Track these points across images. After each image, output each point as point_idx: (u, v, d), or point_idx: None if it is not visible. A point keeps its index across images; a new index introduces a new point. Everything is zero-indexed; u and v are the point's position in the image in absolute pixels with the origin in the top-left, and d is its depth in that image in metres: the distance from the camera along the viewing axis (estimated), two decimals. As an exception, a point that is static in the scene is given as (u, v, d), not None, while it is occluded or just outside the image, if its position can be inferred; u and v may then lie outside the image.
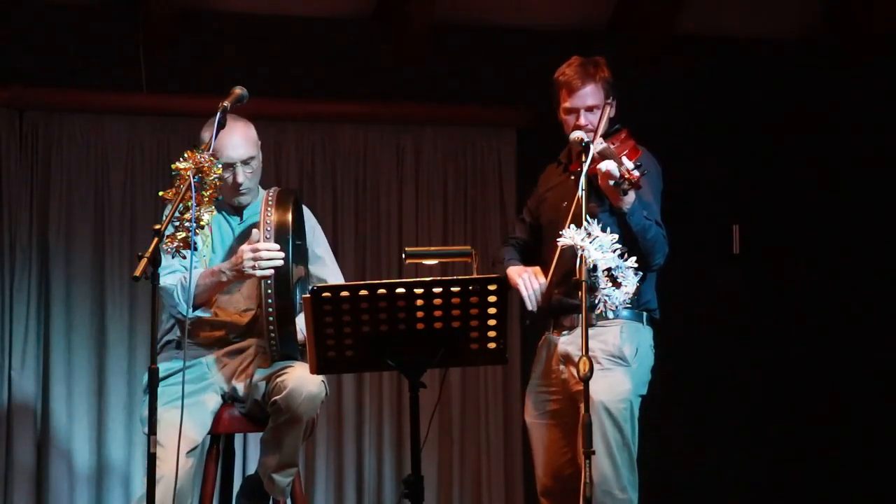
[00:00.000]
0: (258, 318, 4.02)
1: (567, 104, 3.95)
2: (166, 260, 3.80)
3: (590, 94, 3.92)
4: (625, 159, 3.56)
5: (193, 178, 3.58)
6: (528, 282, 3.85)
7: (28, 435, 5.61)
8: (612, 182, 3.57)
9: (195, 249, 3.65)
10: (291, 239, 3.91)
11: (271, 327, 3.88)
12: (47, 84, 5.77)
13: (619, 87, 4.02)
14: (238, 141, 4.05)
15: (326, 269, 4.27)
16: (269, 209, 3.91)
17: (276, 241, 3.85)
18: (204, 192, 3.61)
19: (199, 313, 4.01)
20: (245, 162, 4.06)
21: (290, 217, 3.92)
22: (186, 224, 3.55)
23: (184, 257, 3.78)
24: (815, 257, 6.53)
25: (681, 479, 6.17)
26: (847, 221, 6.55)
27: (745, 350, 6.45)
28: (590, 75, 3.93)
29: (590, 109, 3.92)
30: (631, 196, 3.62)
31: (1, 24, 5.78)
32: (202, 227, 3.61)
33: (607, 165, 3.57)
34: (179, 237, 3.56)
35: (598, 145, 3.72)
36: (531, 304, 3.85)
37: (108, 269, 5.77)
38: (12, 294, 5.67)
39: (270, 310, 3.85)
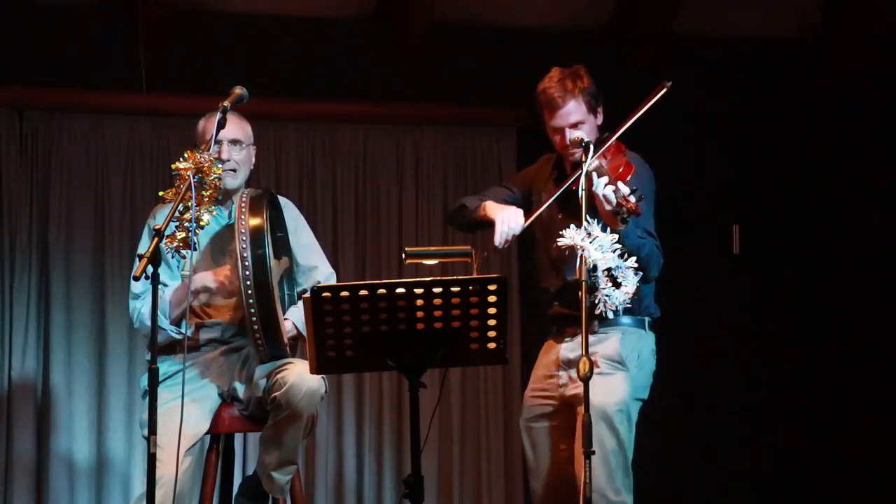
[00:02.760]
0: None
1: (552, 124, 3.91)
2: (136, 287, 3.98)
3: (572, 111, 3.87)
4: (621, 185, 3.51)
5: (193, 178, 3.58)
6: (507, 220, 3.81)
7: (28, 434, 5.61)
8: (608, 208, 3.54)
9: (195, 249, 3.66)
10: (268, 240, 3.92)
11: (257, 334, 3.90)
12: (47, 84, 5.77)
13: (606, 84, 3.97)
14: (234, 125, 4.11)
15: (313, 256, 4.29)
16: (242, 216, 3.92)
17: (252, 243, 3.86)
18: (204, 192, 3.62)
19: (173, 332, 4.07)
20: (232, 142, 4.11)
21: (264, 220, 3.92)
22: (186, 224, 3.55)
23: (183, 257, 3.80)
24: (814, 257, 6.53)
25: (680, 478, 6.17)
26: (847, 221, 6.55)
27: (746, 350, 6.45)
28: (569, 91, 3.86)
29: (574, 126, 3.88)
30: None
31: (1, 24, 5.78)
32: (202, 227, 3.62)
33: (604, 191, 3.53)
34: (179, 237, 3.57)
35: (590, 163, 3.66)
36: (499, 241, 3.80)
37: (108, 269, 5.77)
38: (12, 294, 5.67)
39: (254, 318, 3.86)
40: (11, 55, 5.77)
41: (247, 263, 3.85)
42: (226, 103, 3.79)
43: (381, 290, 3.26)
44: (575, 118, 3.87)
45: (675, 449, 6.12)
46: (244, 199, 3.98)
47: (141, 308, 4.08)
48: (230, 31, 6.06)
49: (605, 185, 3.52)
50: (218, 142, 4.03)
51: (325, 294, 3.28)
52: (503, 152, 6.31)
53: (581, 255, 3.46)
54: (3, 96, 5.70)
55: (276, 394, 3.91)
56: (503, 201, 4.03)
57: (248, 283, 3.84)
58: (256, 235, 3.88)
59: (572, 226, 3.53)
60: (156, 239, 3.45)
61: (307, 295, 3.30)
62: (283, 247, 4.17)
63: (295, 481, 4.10)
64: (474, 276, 3.47)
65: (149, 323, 3.97)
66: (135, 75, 5.79)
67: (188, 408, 3.87)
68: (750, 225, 6.53)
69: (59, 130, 5.80)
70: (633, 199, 3.48)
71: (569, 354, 3.89)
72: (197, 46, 5.99)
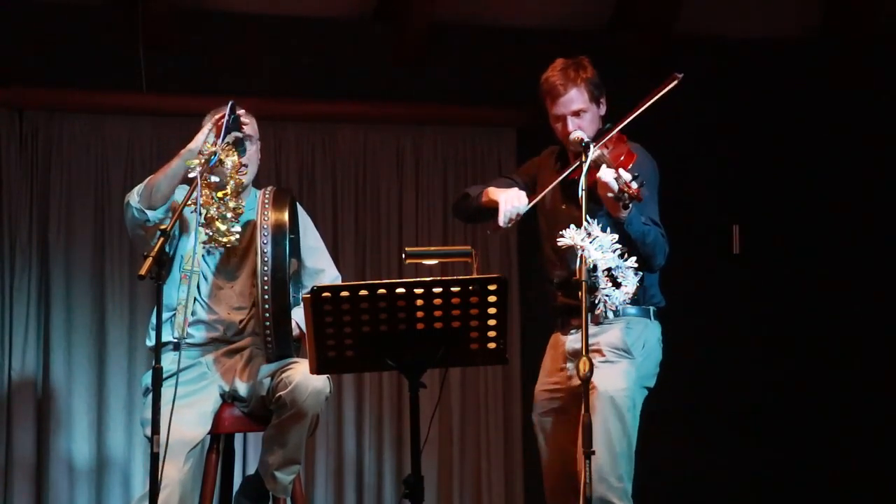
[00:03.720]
0: (253, 316, 4.02)
1: (553, 111, 3.93)
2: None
3: (574, 98, 3.88)
4: (622, 171, 3.53)
5: (211, 159, 3.66)
6: (510, 200, 3.82)
7: (28, 434, 5.61)
8: (610, 195, 3.55)
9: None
10: (288, 237, 3.92)
11: (268, 331, 3.88)
12: (47, 84, 5.77)
13: (606, 84, 3.97)
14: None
15: (321, 259, 4.30)
16: (266, 210, 3.91)
17: (273, 240, 3.86)
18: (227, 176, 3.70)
19: (159, 214, 3.92)
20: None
21: (286, 216, 3.93)
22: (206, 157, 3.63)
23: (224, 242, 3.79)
24: (814, 257, 6.53)
25: (680, 478, 6.17)
26: (847, 221, 6.55)
27: (745, 350, 6.45)
28: (571, 79, 3.88)
29: (576, 114, 3.89)
30: (630, 207, 3.61)
31: (1, 24, 5.78)
32: (222, 162, 3.67)
33: (605, 177, 3.54)
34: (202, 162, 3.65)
35: (592, 152, 3.68)
36: (503, 221, 3.81)
37: (108, 269, 5.77)
38: (12, 294, 5.67)
39: (267, 315, 3.85)
40: (11, 55, 5.77)
41: (266, 259, 3.84)
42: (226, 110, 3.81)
43: (381, 290, 3.26)
44: (576, 106, 3.89)
45: (675, 448, 6.12)
46: (268, 195, 3.98)
47: (130, 199, 3.95)
48: (230, 31, 6.06)
49: (607, 172, 3.54)
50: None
51: (325, 294, 3.28)
52: (503, 152, 6.31)
53: (581, 255, 3.46)
54: (3, 96, 5.69)
55: (281, 393, 3.90)
56: None
57: (266, 278, 3.83)
58: (278, 232, 3.88)
59: (572, 226, 3.53)
60: (161, 239, 3.45)
61: (306, 295, 3.30)
62: (294, 248, 4.16)
63: (295, 481, 4.09)
64: (474, 276, 3.47)
65: (138, 212, 3.91)
66: (135, 75, 5.79)
67: (189, 409, 3.89)
68: (750, 225, 6.53)
69: (59, 130, 5.80)
70: (634, 184, 3.50)
71: (575, 345, 3.89)
72: (197, 46, 5.98)
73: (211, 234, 3.71)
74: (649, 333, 3.93)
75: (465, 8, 6.29)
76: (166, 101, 5.83)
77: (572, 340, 3.93)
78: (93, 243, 5.79)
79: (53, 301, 5.72)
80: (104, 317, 5.75)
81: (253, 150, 4.15)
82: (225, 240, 3.74)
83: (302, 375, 3.88)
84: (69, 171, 5.79)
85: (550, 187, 3.87)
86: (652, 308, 3.95)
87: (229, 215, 3.74)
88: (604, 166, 3.58)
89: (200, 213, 3.65)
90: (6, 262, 5.69)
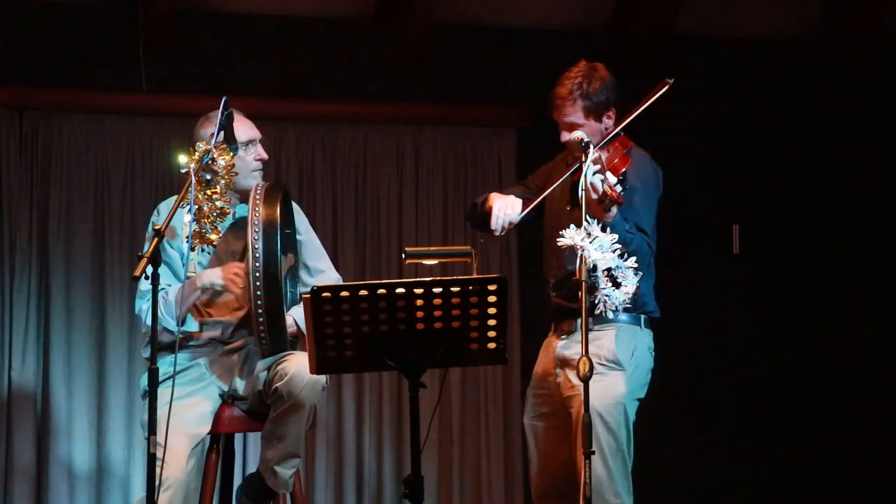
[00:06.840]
0: (250, 314, 4.02)
1: (556, 119, 3.98)
2: (144, 285, 3.91)
3: (568, 114, 3.92)
4: (609, 175, 3.54)
5: (204, 157, 3.63)
6: (504, 207, 3.88)
7: (28, 434, 5.61)
8: (594, 195, 3.56)
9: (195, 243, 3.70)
10: (280, 233, 3.91)
11: (261, 327, 3.88)
12: (47, 84, 5.77)
13: (612, 94, 3.96)
14: (251, 123, 4.15)
15: (322, 260, 4.30)
16: (256, 207, 3.91)
17: (265, 236, 3.86)
18: (217, 179, 3.67)
19: (186, 328, 4.04)
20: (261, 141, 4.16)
21: (277, 212, 3.92)
22: (206, 208, 3.64)
23: (210, 242, 3.80)
24: (814, 257, 6.53)
25: (680, 478, 6.17)
26: (847, 221, 6.55)
27: (745, 350, 6.45)
28: (564, 97, 3.91)
29: (571, 128, 3.91)
30: (613, 210, 3.61)
31: (1, 24, 5.78)
32: (215, 160, 3.67)
33: (592, 179, 3.56)
34: (200, 228, 3.64)
35: (591, 154, 3.68)
36: (496, 226, 3.87)
37: (108, 269, 5.77)
38: (12, 294, 5.67)
39: (260, 311, 3.85)
40: (11, 55, 5.77)
41: (258, 255, 3.84)
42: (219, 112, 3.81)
43: (381, 290, 3.26)
44: (569, 121, 3.93)
45: (676, 449, 6.12)
46: (259, 192, 3.97)
47: (147, 307, 4.05)
48: (230, 31, 6.06)
49: (595, 174, 3.55)
50: (252, 143, 4.08)
51: (325, 294, 3.28)
52: (503, 152, 6.31)
53: (581, 255, 3.47)
54: (3, 96, 5.70)
55: (278, 384, 3.90)
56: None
57: (258, 274, 3.83)
58: (269, 228, 3.87)
59: (572, 226, 3.54)
60: (155, 239, 3.46)
61: (307, 295, 3.29)
62: (290, 243, 4.16)
63: (295, 481, 4.09)
64: (474, 276, 3.47)
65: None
66: (135, 75, 5.79)
67: (190, 409, 3.89)
68: (750, 225, 6.53)
69: (59, 130, 5.80)
70: (618, 188, 3.51)
71: (564, 352, 3.91)
72: (197, 46, 5.99)
73: (198, 229, 3.71)
74: (639, 341, 3.92)
75: (465, 8, 6.29)
76: (166, 101, 5.83)
77: (561, 347, 3.93)
78: (93, 243, 5.79)
79: (53, 301, 5.72)
80: (104, 317, 5.75)
81: (242, 153, 4.12)
82: (212, 236, 3.73)
83: (297, 366, 3.87)
84: (69, 171, 5.79)
85: (546, 193, 3.90)
86: (643, 316, 3.94)
87: (216, 214, 3.73)
88: (591, 168, 3.59)
89: (192, 210, 3.65)
90: (6, 262, 5.69)
